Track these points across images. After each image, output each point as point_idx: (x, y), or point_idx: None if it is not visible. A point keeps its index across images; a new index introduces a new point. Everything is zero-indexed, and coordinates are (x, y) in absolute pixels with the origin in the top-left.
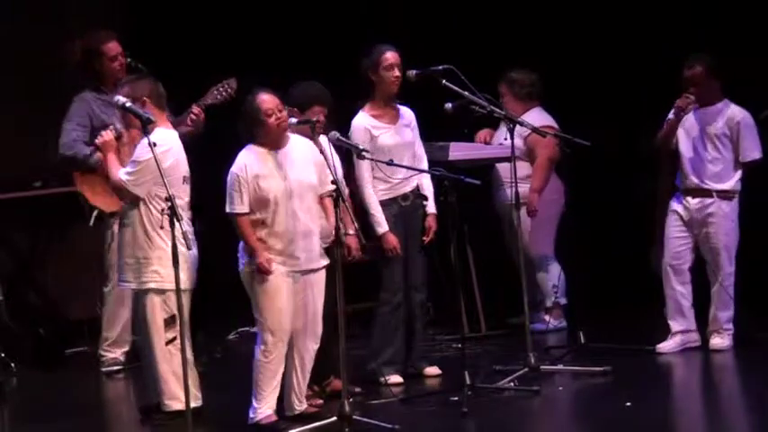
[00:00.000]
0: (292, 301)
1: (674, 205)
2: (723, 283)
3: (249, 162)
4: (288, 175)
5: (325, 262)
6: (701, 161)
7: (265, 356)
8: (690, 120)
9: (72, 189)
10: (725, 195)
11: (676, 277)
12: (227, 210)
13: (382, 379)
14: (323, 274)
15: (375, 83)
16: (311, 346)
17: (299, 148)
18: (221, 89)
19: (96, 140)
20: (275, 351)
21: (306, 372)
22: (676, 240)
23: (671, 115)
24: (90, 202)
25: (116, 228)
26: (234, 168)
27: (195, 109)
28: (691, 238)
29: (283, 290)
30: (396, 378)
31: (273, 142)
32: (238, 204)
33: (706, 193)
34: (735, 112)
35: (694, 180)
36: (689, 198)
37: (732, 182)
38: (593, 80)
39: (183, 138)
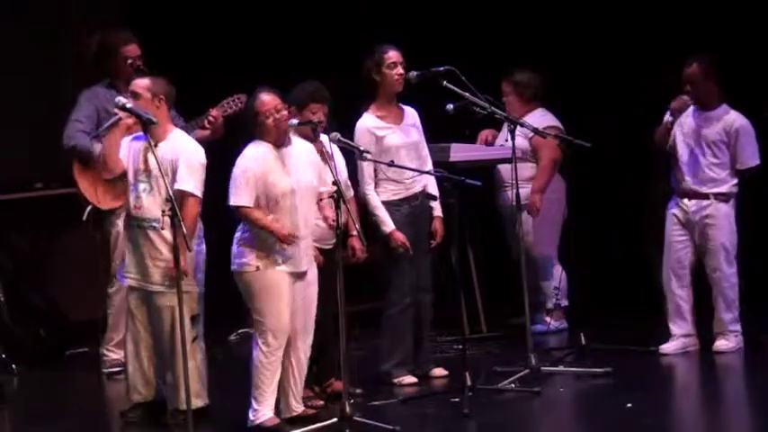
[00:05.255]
0: (292, 302)
1: (672, 209)
2: (723, 285)
3: (259, 156)
4: (292, 174)
5: (315, 263)
6: (698, 165)
7: (266, 357)
8: (688, 123)
9: (73, 190)
10: (722, 198)
11: (677, 281)
12: (232, 202)
13: (396, 380)
14: (315, 273)
15: (378, 82)
16: (307, 347)
17: (299, 148)
18: (231, 102)
19: (116, 109)
20: (276, 352)
21: (302, 373)
22: (676, 244)
23: (667, 117)
24: (85, 196)
25: (120, 228)
26: (243, 161)
27: (214, 112)
28: (690, 240)
29: (285, 290)
30: (409, 379)
31: (275, 141)
32: (244, 198)
33: (703, 195)
34: (733, 118)
35: (691, 183)
36: (686, 200)
37: (728, 185)
38: (593, 81)
39: (200, 142)
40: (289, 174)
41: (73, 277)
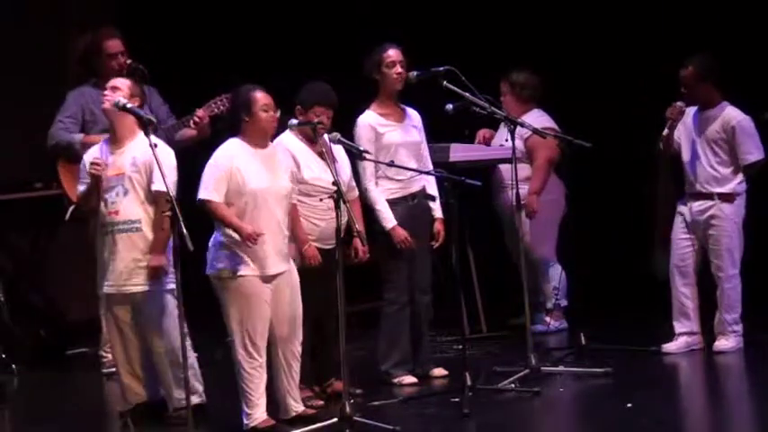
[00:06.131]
0: (266, 306)
1: (680, 207)
2: (726, 285)
3: (235, 153)
4: (269, 176)
5: (292, 263)
6: (700, 165)
7: (249, 364)
8: (689, 124)
9: None
10: (726, 198)
11: (681, 279)
12: (201, 195)
13: (395, 380)
14: (294, 274)
15: (379, 81)
16: (296, 349)
17: (278, 152)
18: (219, 102)
19: (91, 170)
20: (257, 358)
21: (295, 373)
22: (681, 242)
23: (666, 131)
24: (69, 196)
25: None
26: (219, 155)
27: (200, 112)
28: (695, 240)
29: (258, 295)
30: (409, 378)
31: (258, 139)
32: (213, 193)
33: (707, 196)
34: (731, 115)
35: (695, 184)
36: (691, 202)
37: (733, 184)
38: (593, 81)
39: (187, 143)
40: (266, 175)
41: (73, 277)
